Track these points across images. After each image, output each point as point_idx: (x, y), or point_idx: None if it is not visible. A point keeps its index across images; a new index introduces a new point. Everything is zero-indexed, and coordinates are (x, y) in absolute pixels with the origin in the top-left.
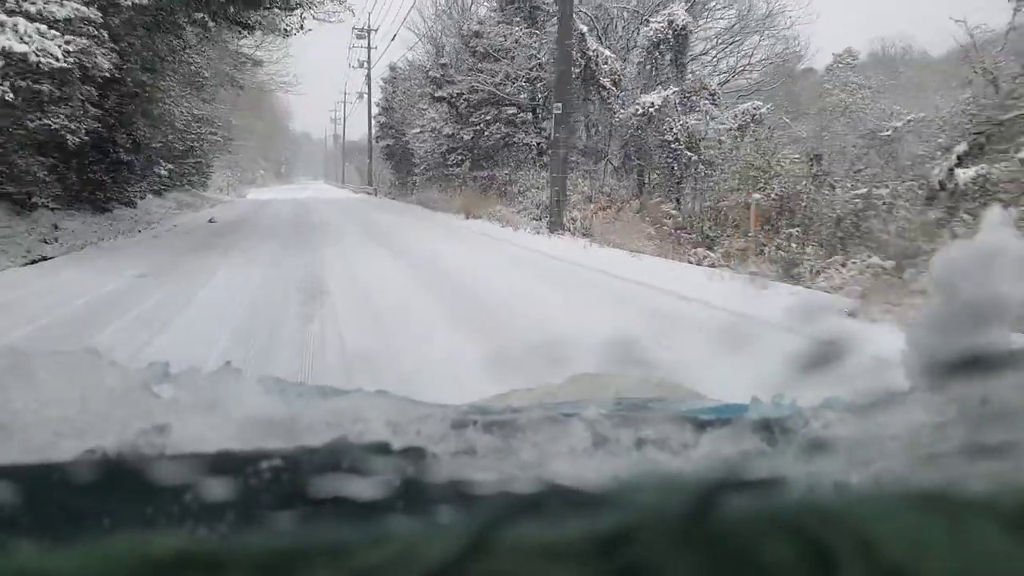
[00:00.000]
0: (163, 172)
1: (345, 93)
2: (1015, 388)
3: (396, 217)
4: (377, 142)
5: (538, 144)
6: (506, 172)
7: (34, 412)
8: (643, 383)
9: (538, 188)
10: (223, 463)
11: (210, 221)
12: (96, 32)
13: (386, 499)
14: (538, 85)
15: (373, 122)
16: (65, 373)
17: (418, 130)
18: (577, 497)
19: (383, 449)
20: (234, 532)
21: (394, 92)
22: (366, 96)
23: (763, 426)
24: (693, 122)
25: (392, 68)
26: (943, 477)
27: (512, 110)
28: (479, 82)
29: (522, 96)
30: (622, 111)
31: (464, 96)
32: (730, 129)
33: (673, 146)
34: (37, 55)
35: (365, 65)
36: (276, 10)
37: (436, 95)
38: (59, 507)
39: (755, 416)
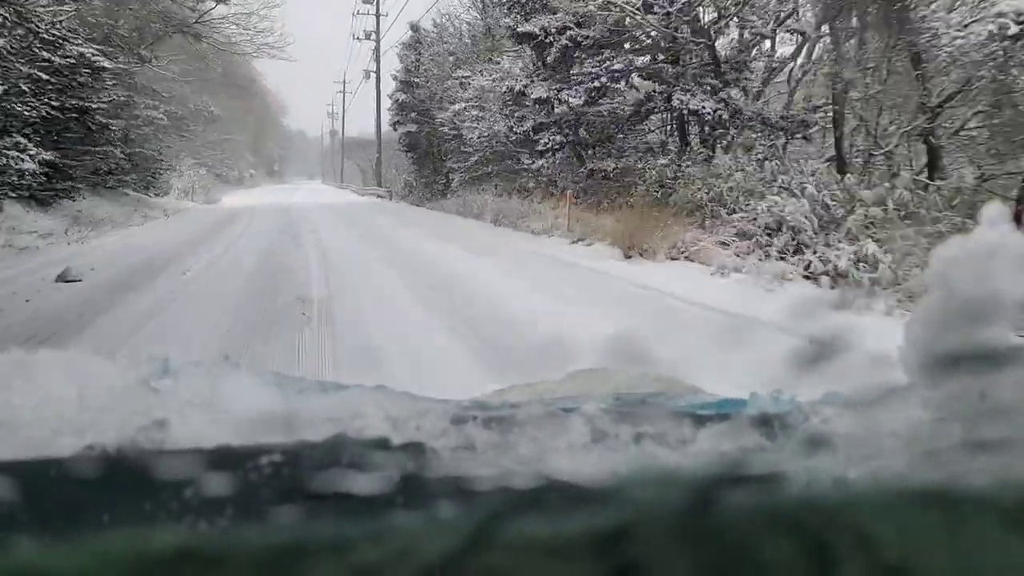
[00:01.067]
0: (29, 165)
1: (345, 81)
2: (1013, 384)
3: (485, 261)
4: (395, 129)
5: (715, 113)
6: (663, 163)
7: (34, 408)
8: (642, 378)
9: (768, 194)
10: (222, 458)
11: (60, 279)
12: None
13: (386, 494)
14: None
15: (388, 103)
16: (64, 370)
17: (463, 106)
18: (576, 492)
19: (383, 444)
20: (234, 527)
21: (417, 61)
22: (373, 75)
23: (762, 422)
24: None
25: (414, 28)
26: (942, 473)
27: (644, 59)
28: (601, 6)
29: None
30: (954, 33)
31: (569, 32)
32: None
33: None
34: None
35: (373, 37)
36: None
37: (520, 30)
38: (59, 503)
39: (754, 412)
